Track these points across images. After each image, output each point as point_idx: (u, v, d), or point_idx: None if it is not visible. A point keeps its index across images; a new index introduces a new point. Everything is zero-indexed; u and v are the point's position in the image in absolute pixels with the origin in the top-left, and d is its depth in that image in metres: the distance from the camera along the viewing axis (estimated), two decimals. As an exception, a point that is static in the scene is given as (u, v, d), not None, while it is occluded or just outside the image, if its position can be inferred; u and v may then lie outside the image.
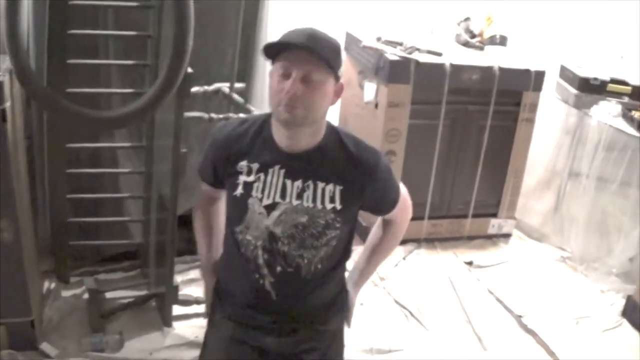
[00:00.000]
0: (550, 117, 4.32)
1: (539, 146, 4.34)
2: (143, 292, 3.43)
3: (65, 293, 3.48)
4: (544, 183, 4.42)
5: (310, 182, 2.06)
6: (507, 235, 4.36)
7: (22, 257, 2.90)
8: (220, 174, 2.10)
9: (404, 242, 4.01)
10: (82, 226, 3.48)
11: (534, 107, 4.08)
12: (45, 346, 3.08)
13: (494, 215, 4.30)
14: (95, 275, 3.54)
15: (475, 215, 4.24)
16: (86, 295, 3.43)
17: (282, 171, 2.04)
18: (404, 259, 4.06)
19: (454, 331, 3.38)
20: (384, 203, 2.17)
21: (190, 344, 3.07)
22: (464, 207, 4.22)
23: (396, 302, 3.64)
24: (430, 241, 4.23)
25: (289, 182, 2.04)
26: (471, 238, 4.28)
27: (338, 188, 2.08)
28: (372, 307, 3.55)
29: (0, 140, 2.69)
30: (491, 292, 3.77)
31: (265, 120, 2.07)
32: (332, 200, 2.07)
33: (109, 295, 3.42)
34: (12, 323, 2.96)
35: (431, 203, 4.13)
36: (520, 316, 3.56)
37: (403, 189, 2.24)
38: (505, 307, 3.64)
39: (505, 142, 4.15)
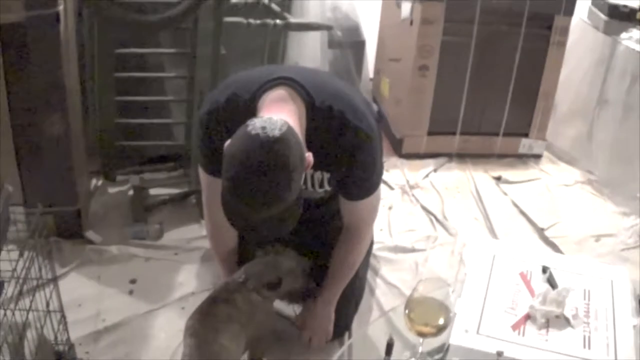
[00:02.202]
0: (582, 43, 4.35)
1: (571, 72, 4.38)
2: (184, 190, 3.63)
3: (111, 190, 3.71)
4: (574, 109, 4.46)
5: None
6: (537, 156, 4.43)
7: (70, 150, 3.08)
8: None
9: (435, 155, 4.20)
10: (129, 128, 3.66)
11: (565, 31, 4.12)
12: (90, 234, 3.28)
13: (525, 135, 4.37)
14: (140, 174, 3.74)
15: (506, 134, 4.33)
16: (131, 192, 3.64)
17: None
18: (434, 170, 4.18)
19: (475, 239, 3.47)
20: (349, 186, 2.25)
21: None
22: (495, 125, 4.30)
23: (423, 208, 3.79)
24: (462, 156, 4.33)
25: None
26: (502, 156, 4.37)
27: (326, 175, 2.22)
28: (399, 211, 3.72)
29: (53, 39, 2.84)
30: (516, 205, 3.88)
31: (249, 108, 2.05)
32: (321, 185, 2.23)
33: (151, 192, 3.64)
34: (60, 212, 3.14)
35: (463, 119, 4.23)
36: (542, 229, 3.65)
37: (373, 203, 2.35)
38: (529, 220, 3.75)
39: (537, 65, 4.19)
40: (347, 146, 2.10)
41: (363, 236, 2.45)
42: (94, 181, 3.73)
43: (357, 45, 4.35)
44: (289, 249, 2.52)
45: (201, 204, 3.38)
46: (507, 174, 4.21)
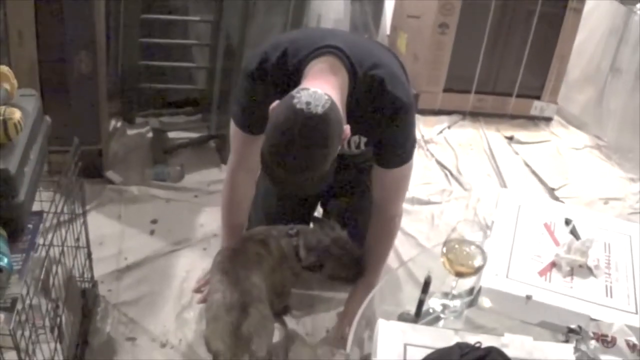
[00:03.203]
0: (597, 11, 4.38)
1: (585, 39, 4.42)
2: (204, 134, 3.66)
3: (131, 132, 3.74)
4: (587, 75, 4.50)
5: None
6: (548, 119, 4.48)
7: (96, 89, 3.11)
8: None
9: (449, 112, 4.25)
10: (150, 71, 3.68)
11: (582, -2, 4.15)
12: (110, 174, 3.32)
13: (538, 97, 4.42)
14: (159, 117, 3.77)
15: (519, 95, 4.37)
16: (150, 134, 3.68)
17: None
18: (448, 127, 4.24)
19: (490, 193, 3.54)
20: (383, 153, 2.29)
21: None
22: (509, 85, 4.34)
23: (438, 162, 3.86)
24: (475, 115, 4.39)
25: None
26: (514, 117, 4.42)
27: (363, 140, 2.29)
28: (415, 165, 3.68)
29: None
30: (528, 165, 3.94)
31: (297, 72, 2.08)
32: (357, 147, 2.30)
33: (171, 135, 3.67)
34: (82, 150, 3.17)
35: (478, 78, 4.27)
36: (553, 189, 3.72)
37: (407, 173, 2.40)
38: (540, 179, 3.81)
39: (553, 29, 4.22)
40: (385, 114, 2.15)
41: (392, 217, 2.49)
42: (113, 123, 3.75)
43: (376, 1, 4.35)
44: (343, 231, 2.52)
45: (221, 149, 3.43)
46: (519, 134, 4.27)
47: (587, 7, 4.24)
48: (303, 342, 2.53)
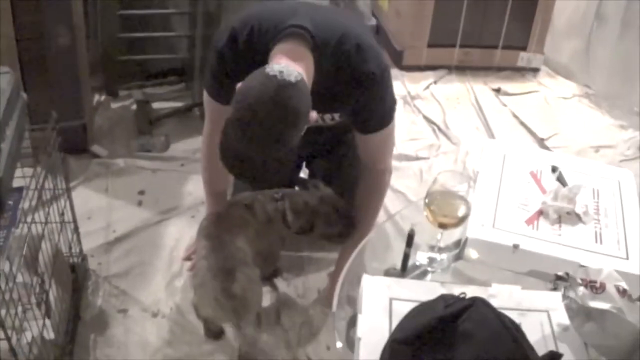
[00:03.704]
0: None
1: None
2: (187, 103, 3.64)
3: (114, 105, 3.73)
4: (573, 24, 4.44)
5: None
6: (535, 69, 4.45)
7: (76, 63, 3.09)
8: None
9: (435, 67, 4.23)
10: (131, 42, 3.66)
11: (567, -55, 4.10)
12: (95, 148, 3.31)
13: (524, 48, 4.38)
14: (142, 89, 3.75)
15: (505, 47, 4.34)
16: (134, 107, 3.66)
17: None
18: (434, 82, 4.22)
19: (478, 146, 3.50)
20: (359, 122, 2.27)
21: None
22: (494, 38, 4.30)
23: (425, 117, 3.85)
24: (462, 69, 4.36)
25: None
26: (501, 69, 4.40)
27: (336, 115, 2.28)
28: (402, 121, 3.74)
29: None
30: (516, 116, 3.92)
31: (264, 51, 2.04)
32: (332, 119, 2.29)
33: (155, 105, 3.65)
34: (66, 126, 3.13)
35: (463, 31, 4.24)
36: (542, 139, 3.70)
37: (390, 131, 2.36)
38: (529, 130, 3.80)
39: (536, -23, 4.18)
40: (357, 88, 2.13)
41: (381, 172, 2.46)
42: (96, 97, 3.73)
43: (357, -43, 4.31)
44: (329, 189, 2.51)
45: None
46: (506, 86, 4.24)
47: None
48: (294, 304, 2.54)
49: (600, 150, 3.70)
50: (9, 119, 1.97)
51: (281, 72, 1.79)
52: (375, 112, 2.23)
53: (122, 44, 3.61)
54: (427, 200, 1.83)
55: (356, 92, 2.13)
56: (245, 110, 1.79)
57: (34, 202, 1.95)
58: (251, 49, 2.09)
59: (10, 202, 1.96)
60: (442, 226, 1.84)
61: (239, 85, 1.86)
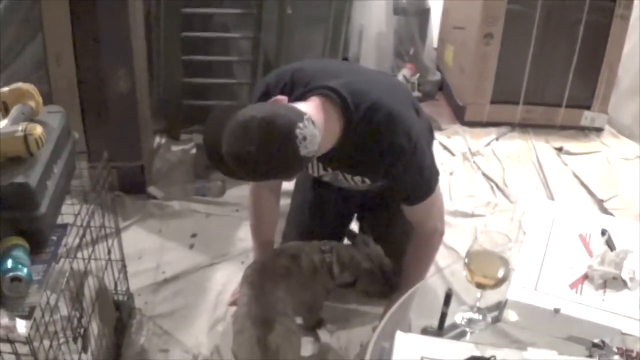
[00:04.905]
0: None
1: (634, 47, 4.30)
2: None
3: (175, 148, 3.78)
4: (637, 84, 4.37)
5: (339, 172, 2.23)
6: (599, 129, 4.38)
7: (136, 106, 3.16)
8: None
9: (497, 124, 4.21)
10: (193, 88, 3.72)
11: (629, 5, 4.05)
12: (152, 189, 3.37)
13: (588, 107, 4.33)
14: (203, 134, 3.79)
15: (568, 106, 4.29)
16: (193, 150, 3.71)
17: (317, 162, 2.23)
18: (496, 139, 4.18)
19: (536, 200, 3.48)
20: (401, 194, 2.25)
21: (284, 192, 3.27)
22: (558, 96, 4.26)
23: (484, 174, 3.81)
24: (524, 126, 4.32)
25: (325, 170, 2.26)
26: (564, 128, 4.34)
27: (367, 179, 2.27)
28: (460, 177, 3.74)
29: (120, -3, 2.91)
30: (577, 176, 3.85)
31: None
32: (363, 181, 2.27)
33: (214, 150, 3.68)
34: (124, 167, 3.22)
35: (526, 89, 4.21)
36: (602, 200, 3.62)
37: (437, 197, 2.30)
38: (589, 191, 3.72)
39: (600, 37, 4.13)
40: (385, 161, 2.10)
41: (431, 233, 2.42)
42: (157, 139, 3.80)
43: (422, 13, 4.34)
44: (378, 246, 2.49)
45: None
46: (569, 145, 4.18)
47: (636, 14, 4.13)
48: (336, 356, 2.52)
49: (659, 216, 3.61)
50: (58, 158, 2.02)
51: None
52: (413, 184, 2.20)
53: (185, 89, 3.67)
54: (466, 260, 1.81)
55: (384, 163, 2.10)
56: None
57: (79, 239, 1.97)
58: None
59: (54, 238, 1.99)
60: (481, 286, 1.82)
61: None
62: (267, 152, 1.74)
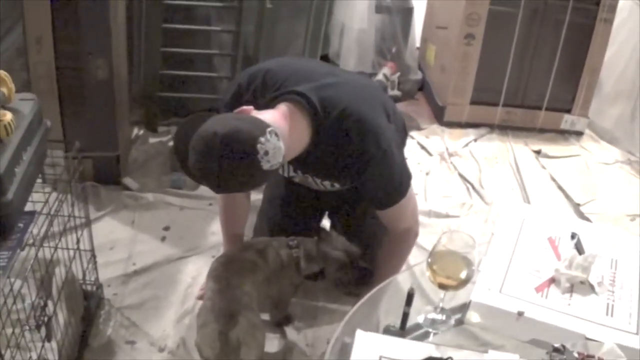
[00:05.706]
0: (629, 23, 4.27)
1: (617, 52, 4.33)
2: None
3: (152, 140, 3.76)
4: (619, 89, 4.40)
5: (308, 176, 2.25)
6: (579, 133, 4.39)
7: (113, 95, 3.14)
8: None
9: (476, 125, 4.20)
10: (173, 80, 3.70)
11: (612, 9, 4.05)
12: (127, 180, 3.35)
13: (568, 111, 4.33)
14: (182, 125, 3.77)
15: (548, 109, 4.29)
16: (170, 143, 3.68)
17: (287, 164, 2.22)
18: (474, 140, 4.18)
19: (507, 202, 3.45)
20: (371, 198, 2.26)
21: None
22: (538, 98, 4.27)
23: (460, 175, 3.81)
24: (503, 128, 4.32)
25: (295, 172, 2.27)
26: (543, 131, 4.34)
27: (336, 184, 2.29)
28: (436, 177, 3.75)
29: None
30: (554, 180, 3.86)
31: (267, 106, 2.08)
32: (332, 185, 2.29)
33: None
34: (99, 157, 3.21)
35: (506, 90, 4.21)
36: (578, 204, 3.63)
37: (409, 201, 2.31)
38: (565, 195, 3.73)
39: (583, 40, 4.14)
40: (354, 166, 2.13)
41: (404, 237, 2.44)
42: (135, 130, 3.79)
43: (405, 12, 4.32)
44: (342, 237, 2.49)
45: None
46: (548, 148, 4.19)
47: (619, 18, 4.15)
48: (302, 353, 2.51)
49: (637, 219, 3.61)
50: (28, 145, 2.01)
51: None
52: (382, 190, 2.22)
53: (164, 81, 3.65)
54: (429, 260, 1.80)
55: (353, 169, 2.12)
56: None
57: (45, 227, 1.97)
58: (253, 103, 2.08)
59: (21, 225, 1.98)
60: (443, 287, 1.81)
61: None
62: (229, 169, 1.79)
